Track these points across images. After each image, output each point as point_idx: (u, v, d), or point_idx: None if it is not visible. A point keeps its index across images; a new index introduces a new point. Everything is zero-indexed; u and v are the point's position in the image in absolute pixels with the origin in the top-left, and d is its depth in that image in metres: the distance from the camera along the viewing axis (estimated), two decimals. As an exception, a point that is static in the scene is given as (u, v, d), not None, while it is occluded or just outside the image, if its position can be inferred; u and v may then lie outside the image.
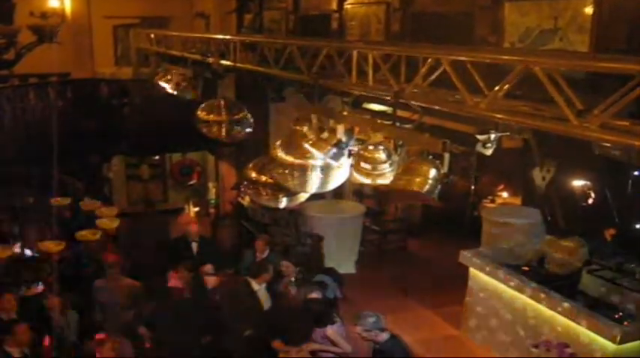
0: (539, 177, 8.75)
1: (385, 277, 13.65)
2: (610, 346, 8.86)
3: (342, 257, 13.64)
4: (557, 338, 9.40)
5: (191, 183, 22.99)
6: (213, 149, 19.37)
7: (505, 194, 15.70)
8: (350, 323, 8.21)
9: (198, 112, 12.09)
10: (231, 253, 12.90)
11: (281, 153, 8.97)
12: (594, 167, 9.64)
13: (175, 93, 14.55)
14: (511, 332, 10.30)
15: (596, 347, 8.98)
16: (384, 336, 7.50)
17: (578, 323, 9.15)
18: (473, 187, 15.64)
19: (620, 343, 8.79)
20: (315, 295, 9.05)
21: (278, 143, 9.20)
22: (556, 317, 9.52)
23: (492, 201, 15.63)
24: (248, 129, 12.01)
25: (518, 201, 15.08)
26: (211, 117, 11.87)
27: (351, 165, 8.36)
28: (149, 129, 18.35)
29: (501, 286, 10.45)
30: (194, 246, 11.79)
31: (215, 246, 12.76)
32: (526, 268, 10.62)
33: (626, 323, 9.10)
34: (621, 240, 10.31)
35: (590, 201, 10.69)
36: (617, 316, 9.24)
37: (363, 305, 10.96)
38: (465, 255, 11.16)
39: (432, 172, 7.24)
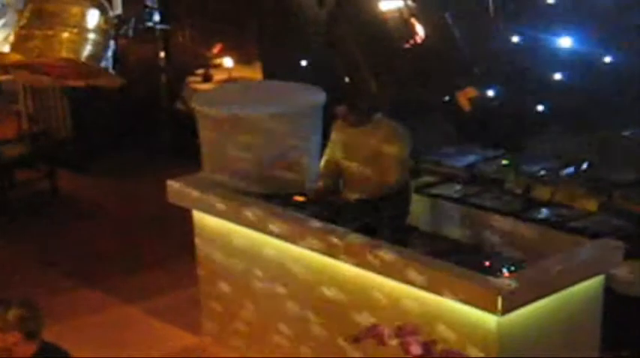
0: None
1: (27, 254, 8.43)
2: (486, 321, 4.90)
3: None
4: (388, 319, 5.28)
5: None
6: None
7: (228, 61, 10.32)
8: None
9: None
10: None
11: None
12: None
13: None
14: (293, 321, 6.00)
15: (463, 325, 5.01)
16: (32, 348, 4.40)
17: (421, 287, 5.10)
18: (163, 54, 10.47)
19: (505, 312, 4.85)
20: None
21: None
22: (376, 283, 5.36)
23: (206, 78, 10.30)
24: None
25: (255, 72, 9.83)
26: None
27: None
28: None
29: (261, 239, 6.03)
30: None
31: None
32: (302, 198, 6.19)
33: (506, 273, 5.19)
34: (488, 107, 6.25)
35: (419, 39, 6.28)
36: (486, 264, 5.32)
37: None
38: (177, 188, 6.51)
39: (92, 18, 5.09)
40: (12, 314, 4.11)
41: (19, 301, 4.21)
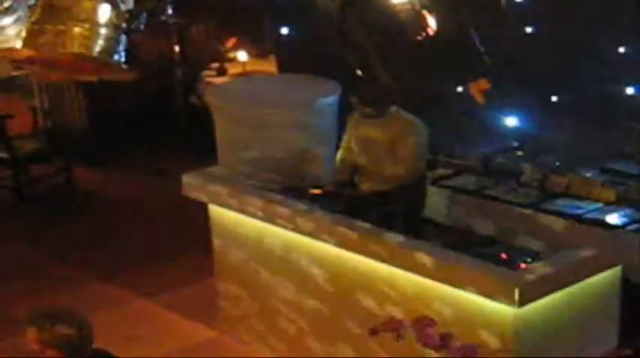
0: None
1: (43, 248, 8.34)
2: (503, 313, 4.85)
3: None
4: (406, 311, 5.24)
5: None
6: None
7: (243, 54, 10.24)
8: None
9: None
10: None
11: None
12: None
13: None
14: (311, 316, 5.95)
15: (480, 317, 4.95)
16: None
17: (438, 280, 5.04)
18: (178, 48, 10.22)
19: (522, 304, 4.79)
20: None
21: None
22: (394, 275, 5.32)
23: (221, 72, 10.14)
24: None
25: (270, 65, 9.75)
26: None
27: None
28: None
29: (275, 231, 5.97)
30: None
31: None
32: (317, 191, 6.12)
33: (523, 265, 5.13)
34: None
35: (430, 31, 6.15)
36: (502, 256, 5.24)
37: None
38: (192, 182, 6.47)
39: (104, 13, 4.99)
40: (58, 330, 3.84)
41: (71, 319, 3.93)
